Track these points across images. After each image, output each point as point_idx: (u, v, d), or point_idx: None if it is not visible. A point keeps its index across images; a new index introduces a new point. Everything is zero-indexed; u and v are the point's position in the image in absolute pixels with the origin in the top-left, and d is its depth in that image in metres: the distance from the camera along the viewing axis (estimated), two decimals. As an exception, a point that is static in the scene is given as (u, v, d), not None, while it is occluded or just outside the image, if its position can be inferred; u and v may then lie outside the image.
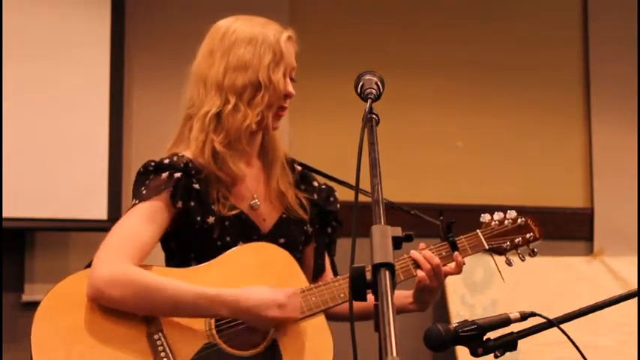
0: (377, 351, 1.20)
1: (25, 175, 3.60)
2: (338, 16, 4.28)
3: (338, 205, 2.28)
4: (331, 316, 2.10)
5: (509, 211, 2.28)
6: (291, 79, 2.16)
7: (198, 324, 1.99)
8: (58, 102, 3.68)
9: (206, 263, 2.06)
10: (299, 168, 2.29)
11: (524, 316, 1.81)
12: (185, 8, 4.02)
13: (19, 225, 3.65)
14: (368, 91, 1.81)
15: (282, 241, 2.15)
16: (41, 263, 3.75)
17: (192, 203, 2.06)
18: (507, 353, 1.80)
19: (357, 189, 1.61)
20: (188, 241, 2.09)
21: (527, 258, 2.28)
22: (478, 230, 2.24)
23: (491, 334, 1.79)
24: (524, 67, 4.44)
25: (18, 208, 3.58)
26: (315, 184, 2.30)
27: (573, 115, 4.49)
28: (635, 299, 1.89)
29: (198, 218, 2.06)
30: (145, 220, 2.02)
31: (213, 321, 2.00)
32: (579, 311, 1.85)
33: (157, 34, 4.00)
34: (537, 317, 1.81)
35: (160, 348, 1.94)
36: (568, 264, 4.23)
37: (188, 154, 2.12)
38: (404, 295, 2.19)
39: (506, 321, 1.80)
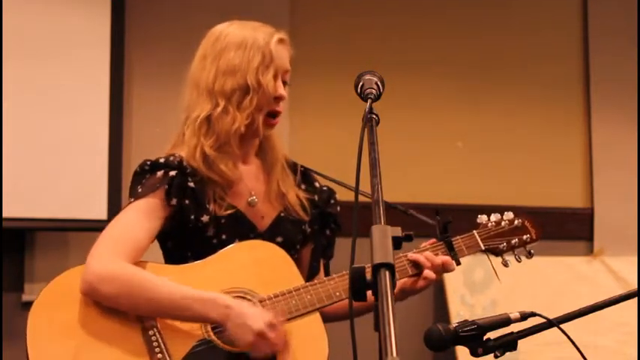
0: (377, 351, 1.20)
1: (25, 175, 3.60)
2: (338, 16, 4.28)
3: (338, 208, 2.29)
4: (325, 317, 2.10)
5: (506, 213, 2.28)
6: (284, 83, 2.17)
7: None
8: (57, 102, 3.68)
9: (202, 260, 2.07)
10: (300, 169, 2.29)
11: (524, 316, 1.81)
12: (185, 8, 4.02)
13: (19, 225, 3.65)
14: (368, 91, 1.81)
15: (279, 239, 2.16)
16: (41, 263, 3.75)
17: (187, 201, 2.06)
18: (507, 353, 1.80)
19: (357, 189, 1.61)
20: (184, 239, 2.10)
21: (525, 259, 2.28)
22: (474, 231, 2.24)
23: (492, 334, 1.79)
24: (523, 66, 4.44)
25: (18, 208, 3.58)
26: (317, 185, 2.31)
27: (573, 114, 4.49)
28: (635, 299, 1.89)
29: (192, 217, 2.07)
30: (140, 217, 2.03)
31: None
32: (579, 311, 1.85)
33: (157, 33, 4.00)
34: (537, 317, 1.81)
35: (155, 344, 1.94)
36: (568, 264, 4.23)
37: (184, 154, 2.13)
38: None
39: (506, 321, 1.80)
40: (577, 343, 1.85)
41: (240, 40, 2.13)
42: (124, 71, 3.83)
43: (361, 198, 1.67)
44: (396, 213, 2.25)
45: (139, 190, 2.07)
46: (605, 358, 4.08)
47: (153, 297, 1.95)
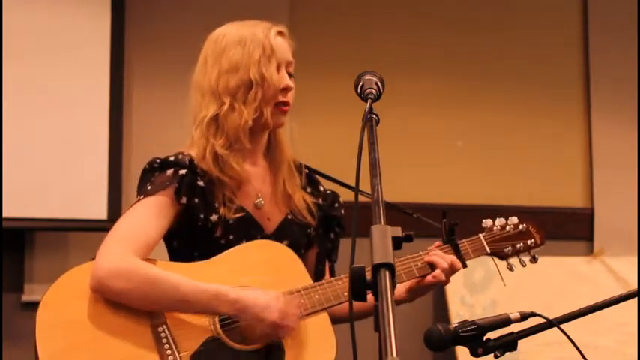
0: (377, 351, 1.20)
1: (25, 175, 3.60)
2: (337, 16, 4.28)
3: (342, 211, 2.29)
4: (332, 318, 2.10)
5: (510, 217, 2.30)
6: (290, 75, 2.17)
7: (202, 317, 1.99)
8: (57, 101, 3.68)
9: (210, 259, 2.07)
10: (306, 171, 2.30)
11: (524, 316, 1.81)
12: (185, 8, 4.02)
13: (19, 225, 3.66)
14: (368, 91, 1.81)
15: (285, 242, 2.16)
16: (41, 263, 3.76)
17: (196, 200, 2.07)
18: (507, 353, 1.80)
19: (357, 189, 1.61)
20: (191, 239, 2.10)
21: (529, 263, 2.30)
22: (480, 234, 2.25)
23: (492, 334, 1.79)
24: (523, 67, 4.44)
25: (18, 208, 3.58)
26: (321, 188, 2.31)
27: (573, 114, 4.49)
28: (635, 299, 1.89)
29: (202, 216, 2.07)
30: (149, 214, 2.03)
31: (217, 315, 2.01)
32: (579, 311, 1.85)
33: (157, 33, 4.00)
34: (537, 317, 1.81)
35: (164, 340, 1.95)
36: (568, 264, 4.23)
37: (194, 154, 2.13)
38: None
39: (506, 321, 1.80)
40: (577, 343, 1.85)
41: (239, 38, 2.13)
42: (124, 71, 3.83)
43: (362, 198, 1.67)
44: (397, 212, 2.25)
45: (149, 188, 2.06)
46: (605, 358, 4.08)
47: (162, 291, 1.95)
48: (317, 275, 2.23)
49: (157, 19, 4.00)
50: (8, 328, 3.71)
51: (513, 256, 2.28)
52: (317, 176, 2.33)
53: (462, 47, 4.38)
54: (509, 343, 1.80)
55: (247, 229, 2.12)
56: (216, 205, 2.09)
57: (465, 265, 2.19)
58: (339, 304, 2.07)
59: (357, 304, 1.82)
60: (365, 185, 1.58)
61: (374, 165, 1.53)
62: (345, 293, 2.06)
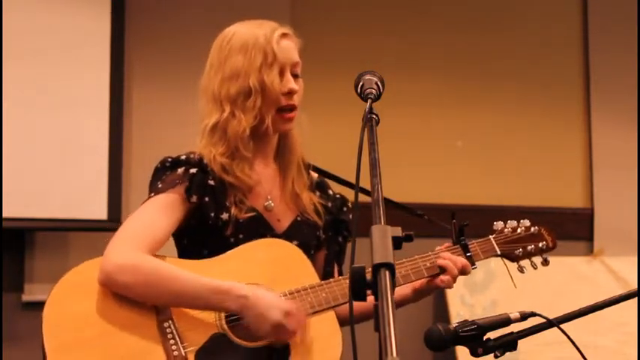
0: (377, 351, 1.20)
1: (25, 175, 3.60)
2: (338, 16, 4.28)
3: (350, 216, 2.29)
4: (339, 320, 2.11)
5: (522, 220, 2.30)
6: (296, 75, 2.16)
7: (208, 314, 2.00)
8: (57, 101, 3.68)
9: (219, 256, 2.08)
10: (314, 174, 2.30)
11: (524, 316, 1.81)
12: (185, 7, 4.02)
13: (19, 225, 3.65)
14: (368, 91, 1.81)
15: (295, 243, 2.16)
16: (41, 263, 3.75)
17: (207, 199, 2.08)
18: (507, 353, 1.81)
19: (357, 189, 1.61)
20: (201, 237, 2.11)
21: (539, 266, 2.29)
22: (491, 236, 2.26)
23: (492, 334, 1.79)
24: (524, 67, 4.44)
25: (18, 208, 3.58)
26: (330, 192, 2.32)
27: (573, 114, 4.49)
28: (635, 299, 1.90)
29: (212, 214, 2.08)
30: (159, 211, 2.05)
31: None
32: (579, 311, 1.85)
33: (157, 32, 4.00)
34: (537, 317, 1.81)
35: (170, 336, 1.96)
36: (568, 264, 4.23)
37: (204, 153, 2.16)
38: (398, 289, 2.19)
39: (506, 321, 1.80)
40: (577, 343, 1.85)
41: (242, 44, 2.13)
42: (124, 71, 3.83)
43: (365, 199, 1.67)
44: (396, 211, 2.25)
45: (159, 186, 2.08)
46: (605, 358, 4.08)
47: (170, 286, 1.96)
48: (325, 277, 2.23)
49: (156, 19, 4.00)
50: (8, 328, 3.71)
51: (524, 259, 2.27)
52: (326, 179, 2.34)
53: (462, 47, 4.38)
54: (509, 343, 1.80)
55: (257, 228, 2.13)
56: (227, 204, 2.10)
57: (474, 266, 2.19)
58: (346, 303, 2.06)
59: (359, 308, 1.84)
60: (365, 185, 1.58)
61: (374, 165, 1.53)
62: None
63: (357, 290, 1.30)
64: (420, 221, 2.45)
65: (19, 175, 3.58)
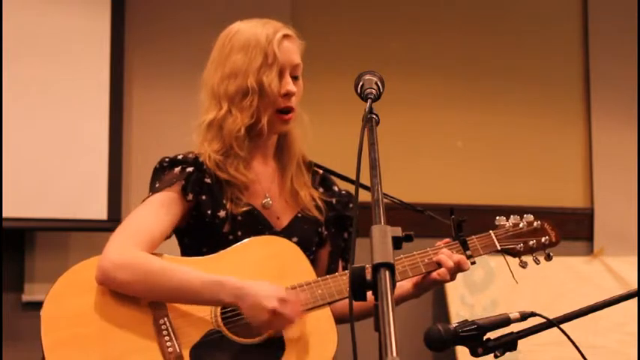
0: (377, 351, 1.20)
1: (25, 175, 3.60)
2: (338, 16, 4.28)
3: (357, 212, 2.28)
4: (336, 317, 2.11)
5: (526, 215, 2.26)
6: (295, 77, 2.17)
7: (204, 311, 2.02)
8: (57, 101, 3.68)
9: (216, 254, 2.09)
10: (320, 171, 2.31)
11: (524, 316, 1.81)
12: (185, 7, 4.02)
13: (19, 225, 3.66)
14: (368, 91, 1.81)
15: (294, 239, 2.17)
16: (41, 263, 3.76)
17: (204, 197, 2.10)
18: (507, 353, 1.81)
19: (357, 189, 1.61)
20: (200, 235, 2.13)
21: (543, 261, 2.25)
22: (491, 231, 2.23)
23: (491, 334, 1.79)
24: (524, 68, 4.44)
25: (18, 208, 3.58)
26: (336, 188, 2.32)
27: (573, 115, 4.49)
28: (635, 299, 1.90)
29: (209, 212, 2.10)
30: (156, 210, 2.08)
31: (219, 308, 2.03)
32: (579, 311, 1.85)
33: (157, 33, 4.00)
34: (537, 317, 1.81)
35: (165, 332, 1.98)
36: (568, 264, 4.23)
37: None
38: (399, 285, 2.19)
39: (506, 321, 1.80)
40: (577, 343, 1.85)
41: (243, 43, 2.14)
42: (124, 71, 3.83)
43: (365, 198, 1.66)
44: (399, 211, 2.25)
45: (157, 185, 2.11)
46: (605, 358, 4.08)
47: (166, 282, 1.98)
48: (329, 273, 2.23)
49: (156, 19, 4.00)
50: (8, 328, 3.71)
51: (526, 254, 2.23)
52: (332, 176, 2.33)
53: (462, 47, 4.38)
54: (509, 343, 1.80)
55: (255, 225, 2.14)
56: (225, 201, 2.12)
57: (473, 262, 2.16)
58: (342, 299, 2.07)
59: (357, 305, 1.83)
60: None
61: (374, 165, 1.53)
62: (348, 289, 2.06)
63: (357, 290, 1.30)
64: (421, 221, 2.45)
65: (19, 175, 3.58)
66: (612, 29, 4.49)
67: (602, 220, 4.39)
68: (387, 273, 1.24)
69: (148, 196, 2.11)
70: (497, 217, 2.25)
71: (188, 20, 3.96)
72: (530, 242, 2.23)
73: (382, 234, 1.31)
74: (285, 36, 2.16)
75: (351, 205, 2.29)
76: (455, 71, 4.37)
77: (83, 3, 3.78)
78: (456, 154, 4.35)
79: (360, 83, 1.84)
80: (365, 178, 1.54)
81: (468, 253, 2.15)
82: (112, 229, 2.10)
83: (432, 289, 2.21)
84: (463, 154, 4.35)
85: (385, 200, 1.58)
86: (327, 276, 2.10)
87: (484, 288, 4.08)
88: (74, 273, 2.03)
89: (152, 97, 3.96)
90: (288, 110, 2.16)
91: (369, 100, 1.77)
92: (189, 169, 2.10)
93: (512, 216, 2.25)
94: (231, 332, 2.01)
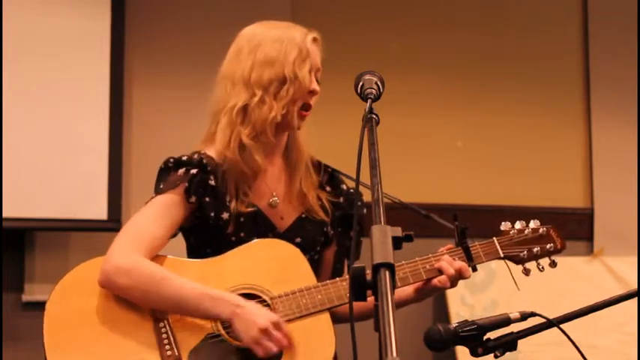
0: (377, 351, 1.20)
1: (25, 175, 3.60)
2: (338, 16, 4.28)
3: (365, 210, 2.27)
4: (336, 318, 2.11)
5: (532, 221, 2.25)
6: (316, 81, 2.19)
7: None
8: (57, 101, 3.68)
9: (218, 256, 2.10)
10: (328, 170, 2.31)
11: (524, 316, 1.81)
12: (185, 7, 4.02)
13: (19, 225, 3.66)
14: (368, 91, 1.81)
15: (297, 240, 2.17)
16: (41, 263, 3.75)
17: (207, 199, 2.10)
18: (507, 353, 1.80)
19: (357, 189, 1.61)
20: (204, 236, 2.15)
21: (547, 268, 2.23)
22: (494, 238, 2.21)
23: (491, 334, 1.79)
24: (524, 68, 4.44)
25: (18, 208, 3.58)
26: (343, 187, 2.32)
27: (573, 115, 4.49)
28: (635, 299, 1.89)
29: (212, 214, 2.10)
30: (159, 213, 2.09)
31: None
32: (579, 311, 1.85)
33: (157, 33, 3.99)
34: (537, 317, 1.81)
35: (164, 336, 1.99)
36: (568, 264, 4.23)
37: (211, 151, 2.16)
38: (401, 289, 2.19)
39: (506, 321, 1.80)
40: (577, 343, 1.85)
41: (277, 36, 2.15)
42: (124, 71, 3.83)
43: (365, 198, 1.66)
44: (402, 212, 2.25)
45: (161, 187, 2.12)
46: (605, 358, 4.08)
47: (164, 292, 1.99)
48: (335, 273, 2.24)
49: (157, 19, 4.00)
50: (8, 328, 3.71)
51: (529, 261, 2.22)
52: (341, 176, 2.33)
53: (462, 47, 4.38)
54: (509, 343, 1.80)
55: (259, 226, 2.15)
56: (228, 201, 2.12)
57: (474, 269, 2.15)
58: (341, 305, 2.07)
59: (358, 306, 1.83)
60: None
61: (374, 165, 1.53)
62: (347, 294, 2.06)
63: (357, 290, 1.30)
64: (421, 221, 2.45)
65: (19, 175, 3.58)
66: (612, 29, 4.48)
67: (602, 220, 4.39)
68: (387, 273, 1.24)
69: (152, 197, 2.12)
70: (503, 223, 2.23)
71: (188, 20, 3.96)
72: (535, 249, 2.22)
73: (382, 234, 1.31)
74: (314, 39, 2.20)
75: (358, 203, 2.29)
76: (455, 71, 4.36)
77: (83, 3, 3.77)
78: (456, 154, 4.35)
79: (360, 83, 1.85)
80: (365, 178, 1.54)
81: (472, 264, 2.14)
82: (112, 229, 2.11)
83: (432, 295, 2.20)
84: (463, 154, 4.35)
85: (386, 200, 1.58)
86: (328, 281, 2.10)
87: (484, 288, 4.07)
88: (78, 273, 2.05)
89: (152, 97, 3.95)
90: (309, 108, 2.18)
91: (369, 100, 1.77)
92: (194, 170, 2.10)
93: (518, 222, 2.23)
94: (230, 336, 2.01)
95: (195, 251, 2.18)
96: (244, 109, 2.12)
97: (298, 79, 2.12)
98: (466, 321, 1.77)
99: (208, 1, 4.00)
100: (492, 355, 1.79)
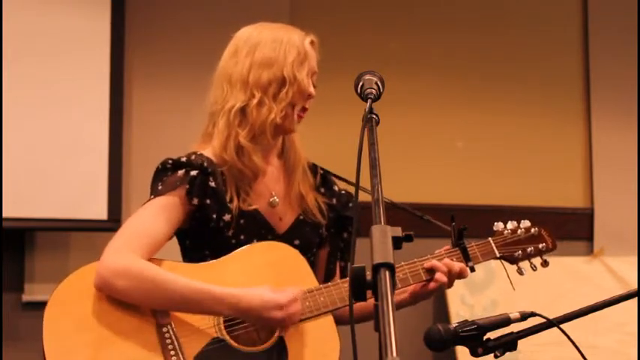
0: (377, 351, 1.20)
1: (25, 175, 3.60)
2: (337, 16, 4.28)
3: (357, 212, 2.27)
4: (338, 319, 2.11)
5: (522, 221, 2.28)
6: (313, 84, 2.18)
7: (207, 318, 2.01)
8: (58, 101, 3.68)
9: (217, 260, 2.08)
10: (320, 171, 2.30)
11: (524, 316, 1.81)
12: (185, 7, 4.02)
13: (19, 225, 3.66)
14: (368, 91, 1.81)
15: (296, 242, 2.17)
16: (41, 263, 3.75)
17: (208, 201, 2.08)
18: (507, 353, 1.80)
19: (356, 189, 1.61)
20: (203, 239, 2.11)
21: (539, 267, 2.27)
22: (490, 238, 2.24)
23: (491, 334, 1.79)
24: (524, 68, 4.44)
25: (18, 208, 3.58)
26: (336, 188, 2.31)
27: (573, 115, 4.49)
28: (635, 299, 1.89)
29: (214, 216, 2.08)
30: (157, 214, 2.05)
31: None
32: (579, 311, 1.85)
33: (157, 33, 4.00)
34: (537, 317, 1.81)
35: (168, 341, 1.96)
36: (568, 264, 4.23)
37: (208, 152, 2.14)
38: (398, 291, 2.19)
39: (506, 321, 1.80)
40: (577, 343, 1.85)
41: (275, 37, 2.14)
42: (124, 71, 3.83)
43: (366, 198, 1.66)
44: (398, 212, 2.25)
45: (159, 188, 2.08)
46: (605, 358, 4.08)
47: (165, 291, 1.96)
48: (327, 274, 2.24)
49: (157, 19, 4.00)
50: (8, 328, 3.71)
51: (523, 260, 2.25)
52: (332, 177, 2.33)
53: (462, 47, 4.38)
54: (509, 343, 1.80)
55: (258, 229, 2.13)
56: (229, 202, 2.10)
57: (472, 270, 2.17)
58: (344, 306, 2.06)
59: (359, 308, 1.83)
60: (365, 185, 1.58)
61: (374, 165, 1.53)
62: None
63: (357, 290, 1.30)
64: (419, 222, 2.45)
65: (19, 175, 3.58)
66: (612, 29, 4.49)
67: (602, 220, 4.39)
68: (387, 273, 1.24)
69: (150, 199, 2.08)
70: (495, 223, 2.26)
71: (188, 20, 3.96)
72: (528, 249, 2.25)
73: (382, 234, 1.31)
74: (312, 42, 2.19)
75: (350, 205, 2.29)
76: (455, 71, 4.37)
77: (83, 3, 3.77)
78: (456, 154, 4.35)
79: (360, 83, 1.84)
80: (365, 178, 1.54)
81: (470, 264, 2.15)
82: (112, 229, 2.09)
83: (426, 299, 2.20)
84: (463, 154, 4.35)
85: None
86: (329, 283, 2.10)
87: (484, 288, 4.08)
88: (78, 277, 2.00)
89: (152, 97, 3.95)
90: (305, 111, 2.17)
91: (369, 100, 1.77)
92: (194, 172, 2.08)
93: (509, 222, 2.26)
94: (234, 340, 2.00)
95: (192, 254, 2.15)
96: (242, 110, 2.11)
97: (297, 80, 2.11)
98: (466, 321, 1.77)
99: (208, 1, 4.01)
100: (492, 355, 1.79)
